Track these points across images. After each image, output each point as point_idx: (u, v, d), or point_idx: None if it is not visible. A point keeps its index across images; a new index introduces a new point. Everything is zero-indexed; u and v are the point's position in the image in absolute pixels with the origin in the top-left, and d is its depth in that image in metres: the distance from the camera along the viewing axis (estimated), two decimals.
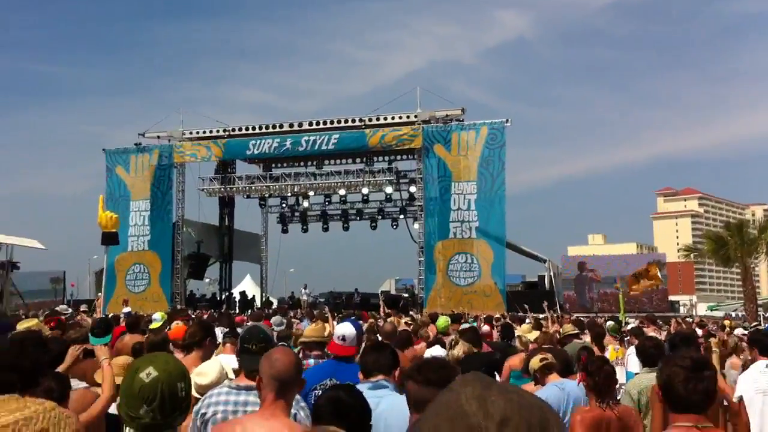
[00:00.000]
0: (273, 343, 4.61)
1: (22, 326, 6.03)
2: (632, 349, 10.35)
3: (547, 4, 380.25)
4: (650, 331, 12.72)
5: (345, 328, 5.84)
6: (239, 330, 9.20)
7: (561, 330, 10.60)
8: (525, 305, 25.37)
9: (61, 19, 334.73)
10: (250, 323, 6.61)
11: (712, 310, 70.09)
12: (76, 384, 5.15)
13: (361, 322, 13.51)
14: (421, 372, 3.58)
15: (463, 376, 1.35)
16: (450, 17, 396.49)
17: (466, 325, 11.56)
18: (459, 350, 6.52)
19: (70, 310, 14.19)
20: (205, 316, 18.24)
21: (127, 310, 20.12)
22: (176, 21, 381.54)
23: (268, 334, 4.63)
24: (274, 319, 12.93)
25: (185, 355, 5.85)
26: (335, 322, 12.40)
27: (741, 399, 6.10)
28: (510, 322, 12.86)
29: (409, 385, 3.54)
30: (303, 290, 38.81)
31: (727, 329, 16.84)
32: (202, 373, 4.88)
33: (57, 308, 13.62)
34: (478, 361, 5.82)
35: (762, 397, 6.07)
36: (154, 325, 10.39)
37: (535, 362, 6.16)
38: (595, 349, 9.06)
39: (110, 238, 15.93)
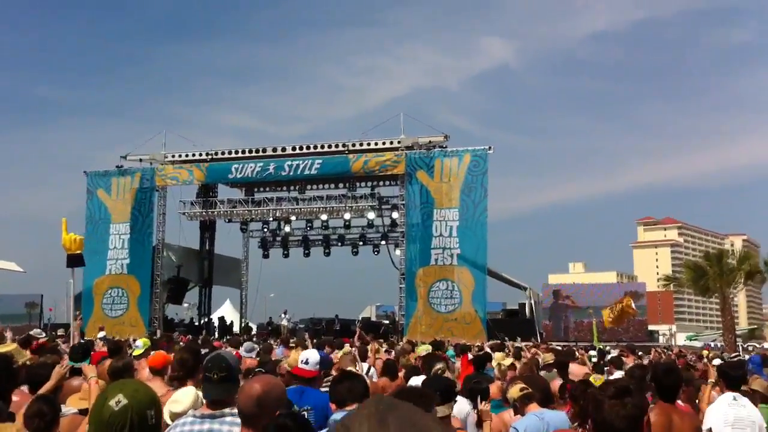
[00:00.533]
0: (235, 372, 4.54)
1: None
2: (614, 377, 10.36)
3: (532, 33, 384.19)
4: (630, 361, 12.72)
5: (309, 353, 5.98)
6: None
7: (541, 359, 10.57)
8: (504, 335, 25.41)
9: (42, 40, 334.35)
10: (216, 351, 6.55)
11: (690, 340, 70.48)
12: (66, 410, 5.14)
13: (330, 349, 13.45)
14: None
15: (365, 404, 1.32)
16: (435, 44, 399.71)
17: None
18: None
19: (44, 335, 13.98)
20: (182, 342, 18.09)
21: (102, 334, 19.92)
22: (160, 43, 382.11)
23: (230, 363, 4.55)
24: (246, 345, 12.82)
25: (178, 386, 5.75)
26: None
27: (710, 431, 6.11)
28: (488, 352, 12.77)
29: None
30: (283, 315, 38.57)
31: (705, 360, 16.88)
32: (176, 400, 4.81)
33: (31, 332, 13.41)
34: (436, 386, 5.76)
35: (730, 430, 6.08)
36: (136, 352, 10.26)
37: (514, 391, 6.13)
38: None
39: (75, 260, 15.66)
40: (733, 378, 6.58)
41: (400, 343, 20.50)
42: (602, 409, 3.34)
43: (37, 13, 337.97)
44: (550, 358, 10.20)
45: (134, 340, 14.56)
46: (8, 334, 11.74)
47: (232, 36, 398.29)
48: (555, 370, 9.66)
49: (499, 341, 21.60)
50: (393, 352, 14.27)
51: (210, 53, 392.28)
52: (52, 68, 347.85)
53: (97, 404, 2.91)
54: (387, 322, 39.77)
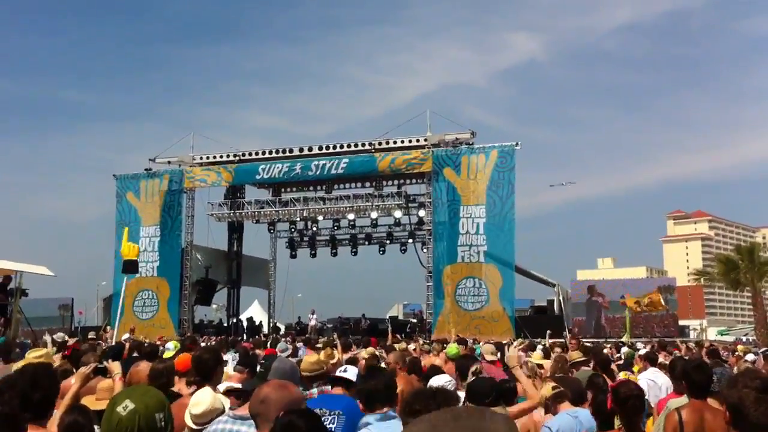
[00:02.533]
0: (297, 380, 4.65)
1: (31, 355, 6.01)
2: (647, 374, 10.26)
3: (559, 27, 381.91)
4: (661, 358, 12.60)
5: (349, 368, 6.04)
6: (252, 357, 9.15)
7: (568, 357, 10.49)
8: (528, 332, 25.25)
9: (70, 45, 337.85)
10: (278, 357, 6.60)
11: (722, 335, 69.63)
12: None
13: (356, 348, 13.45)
14: (409, 403, 3.63)
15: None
16: (461, 41, 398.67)
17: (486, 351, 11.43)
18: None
19: (67, 338, 14.18)
20: (213, 342, 18.23)
21: (126, 336, 20.14)
22: (187, 46, 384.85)
23: (290, 371, 4.65)
24: (280, 345, 12.86)
25: (198, 388, 5.78)
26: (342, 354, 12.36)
27: None
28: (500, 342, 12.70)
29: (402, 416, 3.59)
30: (311, 315, 38.72)
31: (738, 354, 16.68)
32: (196, 403, 4.85)
33: (54, 336, 13.63)
34: (486, 387, 5.72)
35: None
36: (167, 355, 10.35)
37: (546, 390, 6.10)
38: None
39: (131, 267, 16.23)
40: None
41: (423, 341, 20.48)
42: (747, 406, 3.08)
43: (64, 19, 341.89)
44: (577, 356, 10.11)
45: (163, 343, 14.70)
46: (47, 338, 11.85)
47: (258, 37, 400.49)
48: (591, 368, 9.59)
49: (527, 340, 21.50)
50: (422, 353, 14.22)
51: (236, 55, 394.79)
52: (80, 73, 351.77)
53: (107, 411, 2.96)
54: (414, 320, 39.75)
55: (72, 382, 5.98)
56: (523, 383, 6.78)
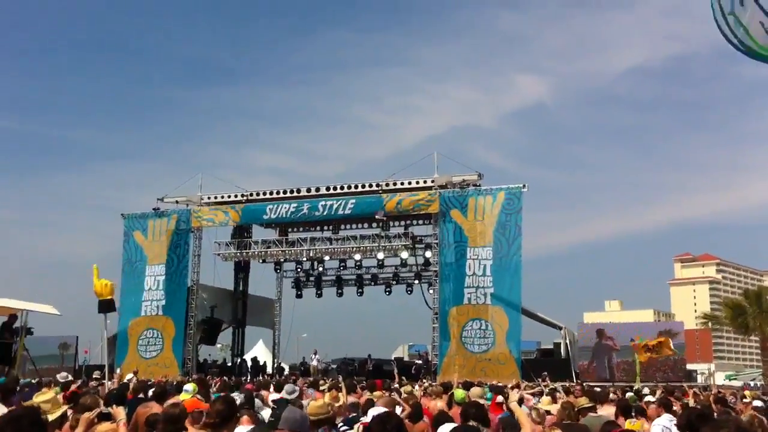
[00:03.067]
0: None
1: (38, 399, 5.99)
2: (661, 420, 10.13)
3: (567, 70, 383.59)
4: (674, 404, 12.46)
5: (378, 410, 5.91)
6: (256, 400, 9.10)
7: (575, 403, 10.41)
8: (536, 375, 25.03)
9: (77, 85, 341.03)
10: (288, 407, 6.55)
11: (730, 380, 68.94)
12: None
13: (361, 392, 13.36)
14: None
15: None
16: (469, 82, 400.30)
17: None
18: None
19: (70, 377, 14.09)
20: (216, 383, 18.12)
21: (129, 376, 20.00)
22: (195, 87, 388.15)
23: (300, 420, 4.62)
24: (287, 387, 12.73)
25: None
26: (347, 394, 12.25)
27: None
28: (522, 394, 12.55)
29: None
30: (313, 356, 38.66)
31: (746, 400, 16.49)
32: None
33: (58, 375, 13.57)
34: None
35: None
36: (183, 396, 10.28)
37: None
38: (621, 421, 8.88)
39: (106, 306, 15.87)
40: None
41: (429, 383, 20.35)
42: None
43: (72, 59, 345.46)
44: (584, 401, 10.04)
45: (178, 384, 14.60)
46: (60, 377, 11.79)
47: (266, 78, 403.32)
48: (599, 414, 9.51)
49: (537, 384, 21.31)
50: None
51: (244, 96, 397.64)
52: (89, 112, 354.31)
53: None
54: (420, 361, 39.54)
55: (68, 427, 5.96)
56: (520, 419, 6.76)
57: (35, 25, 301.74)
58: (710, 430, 3.33)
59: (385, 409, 5.91)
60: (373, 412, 5.97)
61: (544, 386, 16.24)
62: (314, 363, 37.74)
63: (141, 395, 10.60)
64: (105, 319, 16.78)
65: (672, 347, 25.93)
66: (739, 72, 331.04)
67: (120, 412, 5.78)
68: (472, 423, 6.52)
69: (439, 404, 11.30)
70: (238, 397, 10.55)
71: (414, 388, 16.30)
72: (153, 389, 11.24)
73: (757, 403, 13.72)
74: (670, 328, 36.31)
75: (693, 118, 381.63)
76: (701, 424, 5.65)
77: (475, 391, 11.04)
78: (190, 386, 10.91)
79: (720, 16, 5.90)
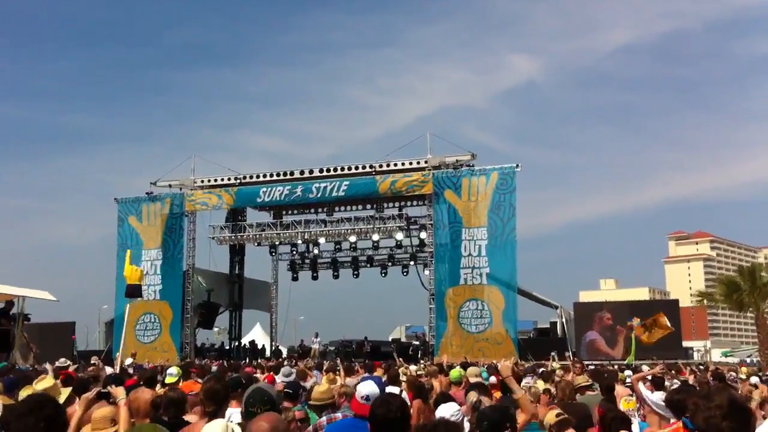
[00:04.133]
0: (278, 405, 4.57)
1: (38, 386, 5.98)
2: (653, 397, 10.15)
3: (558, 49, 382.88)
4: (666, 381, 12.52)
5: (369, 387, 5.75)
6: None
7: (574, 381, 10.44)
8: (533, 354, 25.09)
9: (68, 69, 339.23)
10: (256, 384, 6.47)
11: (726, 356, 69.40)
12: None
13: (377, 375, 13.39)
14: None
15: None
16: (460, 63, 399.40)
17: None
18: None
19: (69, 363, 14.09)
20: (215, 367, 18.15)
21: (129, 361, 20.03)
22: (187, 69, 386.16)
23: (272, 396, 4.58)
24: (283, 370, 12.76)
25: (210, 419, 5.72)
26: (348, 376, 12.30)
27: None
28: (519, 372, 12.55)
29: None
30: (314, 339, 38.68)
31: (741, 377, 16.58)
32: None
33: (58, 362, 13.55)
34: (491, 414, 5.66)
35: None
36: (169, 380, 10.28)
37: (550, 417, 6.05)
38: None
39: (134, 291, 16.16)
40: None
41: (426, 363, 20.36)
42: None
43: (64, 44, 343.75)
44: (583, 380, 10.07)
45: (165, 368, 14.61)
46: (48, 366, 11.81)
47: (258, 60, 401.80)
48: (598, 392, 9.52)
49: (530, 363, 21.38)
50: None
51: (236, 78, 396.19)
52: (80, 97, 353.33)
53: None
54: (417, 342, 39.67)
55: (74, 408, 5.95)
56: (516, 394, 6.73)
57: (26, 9, 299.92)
58: (704, 400, 3.32)
59: (373, 386, 5.82)
60: (362, 387, 5.85)
61: (553, 365, 16.23)
62: (315, 346, 37.83)
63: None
64: (127, 306, 17.17)
65: (668, 323, 25.88)
66: (733, 50, 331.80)
67: (120, 391, 5.73)
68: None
69: (435, 384, 11.33)
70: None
71: (410, 369, 16.34)
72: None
73: (754, 379, 13.82)
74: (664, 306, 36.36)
75: (686, 96, 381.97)
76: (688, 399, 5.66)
77: (472, 370, 11.06)
78: (174, 369, 10.93)
79: None
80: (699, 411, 3.27)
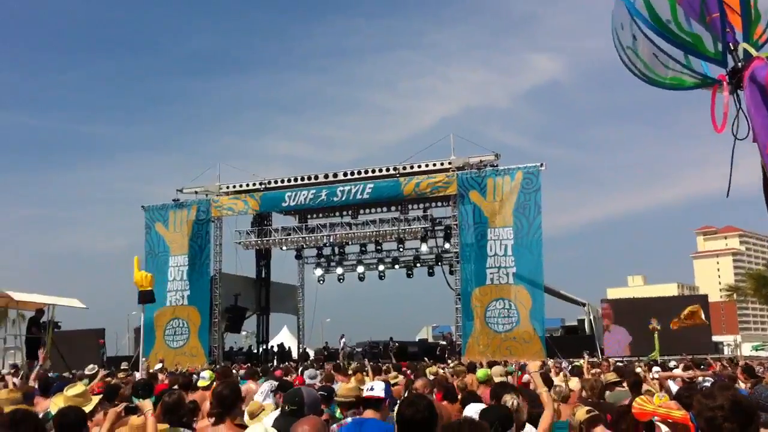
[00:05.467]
0: (304, 406, 4.73)
1: (69, 392, 6.07)
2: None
3: (580, 48, 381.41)
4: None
5: (376, 384, 5.87)
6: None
7: (603, 378, 10.41)
8: (560, 352, 24.97)
9: (96, 79, 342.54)
10: (298, 387, 6.56)
11: (756, 350, 68.65)
12: None
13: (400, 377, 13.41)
14: None
15: None
16: (483, 63, 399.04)
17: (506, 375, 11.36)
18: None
19: (97, 369, 14.25)
20: (242, 371, 18.26)
21: (159, 366, 20.18)
22: (211, 77, 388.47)
23: (303, 398, 4.74)
24: (308, 372, 12.83)
25: (216, 422, 5.80)
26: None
27: None
28: (548, 372, 12.53)
29: None
30: (341, 341, 38.84)
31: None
32: None
33: (86, 370, 13.73)
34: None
35: None
36: (201, 383, 10.41)
37: (580, 414, 6.04)
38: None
39: (147, 297, 16.23)
40: None
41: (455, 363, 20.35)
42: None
43: (88, 53, 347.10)
44: (612, 377, 10.04)
45: (198, 372, 14.74)
46: (84, 373, 11.95)
47: (279, 67, 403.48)
48: (626, 388, 9.48)
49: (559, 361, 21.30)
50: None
51: (258, 84, 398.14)
52: (105, 106, 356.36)
53: None
54: (444, 342, 39.65)
55: (100, 418, 6.04)
56: (540, 391, 6.70)
57: (51, 20, 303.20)
58: (706, 400, 3.33)
59: (382, 386, 5.86)
60: (373, 385, 5.90)
61: (583, 363, 16.11)
62: (341, 348, 38.02)
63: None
64: (143, 310, 17.19)
65: (703, 316, 25.54)
66: None
67: (147, 404, 5.82)
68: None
69: (468, 381, 11.33)
70: (269, 385, 10.60)
71: (439, 369, 16.32)
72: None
73: None
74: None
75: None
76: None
77: (497, 369, 11.06)
78: (206, 373, 11.05)
79: (621, 51, 5.96)
80: (701, 411, 3.29)
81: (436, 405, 7.56)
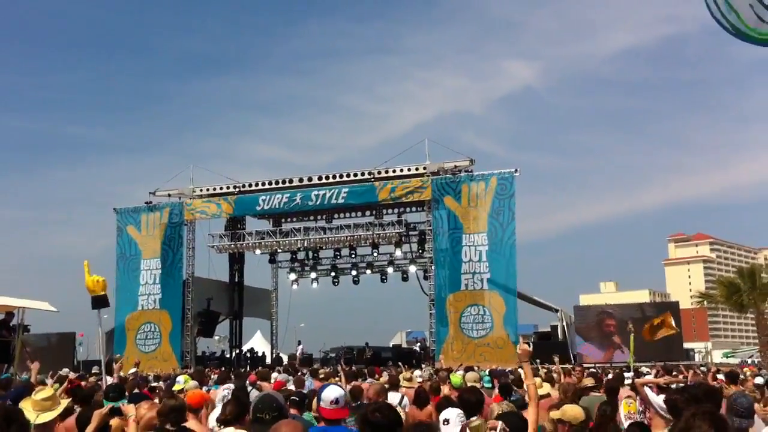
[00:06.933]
0: (285, 412, 4.65)
1: (38, 395, 5.98)
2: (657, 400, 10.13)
3: (555, 54, 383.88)
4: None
5: (336, 391, 5.70)
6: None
7: (579, 383, 10.44)
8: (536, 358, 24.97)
9: (68, 80, 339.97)
10: (267, 392, 6.46)
11: (727, 357, 69.38)
12: None
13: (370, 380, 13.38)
14: None
15: None
16: (458, 69, 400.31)
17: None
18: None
19: (71, 373, 14.10)
20: (215, 376, 18.11)
21: (133, 370, 19.99)
22: (185, 79, 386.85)
23: (281, 403, 4.67)
24: (281, 377, 12.78)
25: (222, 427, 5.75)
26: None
27: None
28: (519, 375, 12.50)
29: None
30: (298, 346, 39.59)
31: (747, 377, 16.53)
32: None
33: (61, 372, 13.57)
34: None
35: None
36: (176, 388, 10.34)
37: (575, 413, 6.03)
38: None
39: (100, 302, 15.94)
40: None
41: (431, 369, 20.34)
42: None
43: (62, 55, 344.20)
44: (590, 382, 10.09)
45: (174, 376, 14.61)
46: (48, 379, 11.81)
47: (257, 69, 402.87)
48: (602, 394, 9.51)
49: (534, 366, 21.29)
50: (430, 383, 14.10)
51: (235, 87, 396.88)
52: (79, 107, 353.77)
53: None
54: (418, 348, 39.64)
55: (74, 419, 5.98)
56: (527, 383, 6.53)
57: (24, 20, 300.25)
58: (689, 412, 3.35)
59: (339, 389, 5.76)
60: (329, 392, 5.74)
61: (555, 369, 16.12)
62: (298, 353, 38.31)
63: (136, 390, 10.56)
64: (99, 315, 16.83)
65: (673, 323, 25.73)
66: (732, 53, 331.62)
67: (131, 408, 5.95)
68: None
69: (446, 390, 11.34)
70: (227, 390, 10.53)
71: (414, 374, 16.29)
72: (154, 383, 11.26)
73: (759, 380, 13.79)
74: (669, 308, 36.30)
75: (685, 100, 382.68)
76: (709, 400, 5.67)
77: (470, 375, 11.07)
78: (181, 378, 10.98)
79: (712, 2, 5.90)
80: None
81: (401, 410, 7.53)
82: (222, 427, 5.77)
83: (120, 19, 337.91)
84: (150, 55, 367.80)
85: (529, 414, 5.89)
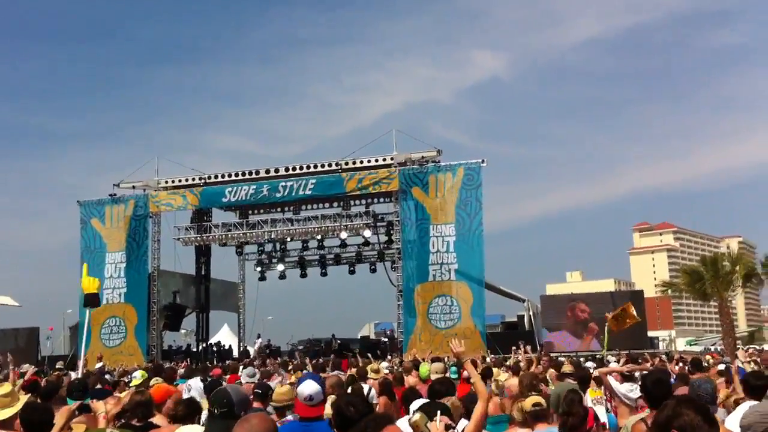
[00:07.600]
0: (237, 407, 4.60)
1: None
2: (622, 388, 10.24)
3: (522, 44, 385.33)
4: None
5: (311, 387, 5.69)
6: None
7: (562, 369, 10.52)
8: (501, 348, 25.14)
9: (30, 67, 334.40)
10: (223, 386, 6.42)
11: (690, 345, 70.43)
12: None
13: (336, 372, 13.35)
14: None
15: None
16: (426, 59, 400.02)
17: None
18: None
19: (34, 369, 13.88)
20: (182, 369, 17.97)
21: (99, 365, 19.76)
22: (150, 68, 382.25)
23: (232, 398, 4.64)
24: (247, 371, 12.66)
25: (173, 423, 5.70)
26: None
27: None
28: (488, 367, 12.59)
29: None
30: (257, 340, 39.52)
31: (710, 365, 16.74)
32: None
33: (22, 368, 13.36)
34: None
35: None
36: (134, 383, 10.19)
37: (527, 404, 6.02)
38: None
39: (92, 300, 16.01)
40: (754, 387, 6.60)
41: (398, 360, 20.37)
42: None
43: (23, 41, 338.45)
44: (569, 368, 10.16)
45: (128, 371, 14.47)
46: (12, 375, 11.61)
47: (223, 58, 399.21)
48: (575, 382, 9.56)
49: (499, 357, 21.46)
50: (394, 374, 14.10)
51: (201, 76, 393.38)
52: (42, 96, 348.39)
53: None
54: (386, 339, 39.69)
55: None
56: (473, 378, 6.58)
57: None
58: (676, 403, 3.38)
59: (315, 385, 5.78)
60: (303, 387, 5.78)
61: (523, 356, 16.13)
62: (256, 346, 38.18)
63: (99, 386, 10.41)
64: (88, 312, 16.95)
65: (635, 313, 26.03)
66: (695, 43, 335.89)
67: (101, 405, 5.95)
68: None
69: (411, 380, 11.33)
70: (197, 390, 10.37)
71: (381, 364, 16.28)
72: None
73: (721, 366, 13.99)
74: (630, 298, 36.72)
75: (649, 89, 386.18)
76: (656, 387, 5.75)
77: (436, 366, 11.05)
78: (138, 373, 10.84)
79: None
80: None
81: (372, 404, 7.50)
82: (171, 422, 5.75)
83: (82, 5, 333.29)
84: (112, 44, 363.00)
85: (476, 408, 5.91)
